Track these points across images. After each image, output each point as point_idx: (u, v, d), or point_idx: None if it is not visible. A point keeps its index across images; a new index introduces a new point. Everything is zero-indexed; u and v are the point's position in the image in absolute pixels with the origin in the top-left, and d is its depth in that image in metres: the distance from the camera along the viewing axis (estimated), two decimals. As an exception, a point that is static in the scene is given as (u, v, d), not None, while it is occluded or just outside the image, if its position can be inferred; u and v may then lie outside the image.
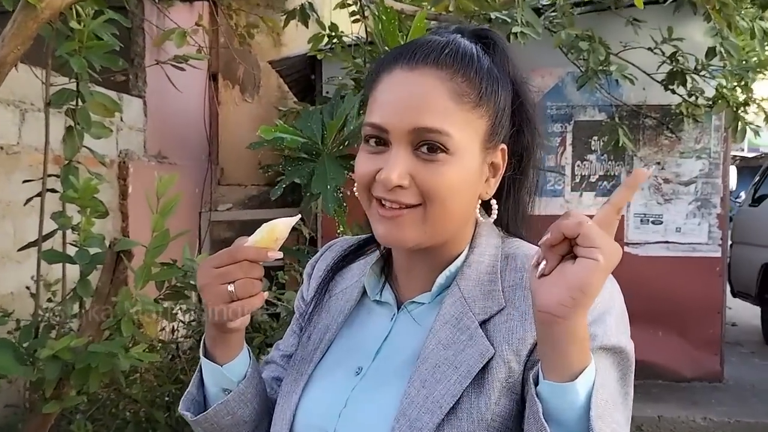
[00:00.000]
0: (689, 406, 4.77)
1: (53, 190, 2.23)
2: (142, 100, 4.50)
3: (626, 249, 5.25)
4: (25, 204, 2.34)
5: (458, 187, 0.85)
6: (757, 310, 6.94)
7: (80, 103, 2.21)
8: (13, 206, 3.08)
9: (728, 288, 5.70)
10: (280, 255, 0.89)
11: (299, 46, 4.34)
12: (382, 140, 0.86)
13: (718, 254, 5.23)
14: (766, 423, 4.55)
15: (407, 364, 0.87)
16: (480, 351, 0.82)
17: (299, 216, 0.97)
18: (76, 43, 2.14)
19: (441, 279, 0.91)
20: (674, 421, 4.61)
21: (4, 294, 3.06)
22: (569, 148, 5.32)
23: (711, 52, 4.25)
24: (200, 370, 0.98)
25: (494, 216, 0.92)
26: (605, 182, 5.32)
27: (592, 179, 5.32)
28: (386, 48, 2.09)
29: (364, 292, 0.99)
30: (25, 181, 2.40)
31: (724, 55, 4.13)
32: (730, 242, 6.31)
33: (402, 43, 2.02)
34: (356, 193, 0.91)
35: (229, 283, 0.86)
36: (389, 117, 0.84)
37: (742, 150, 15.28)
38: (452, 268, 0.91)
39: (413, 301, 0.93)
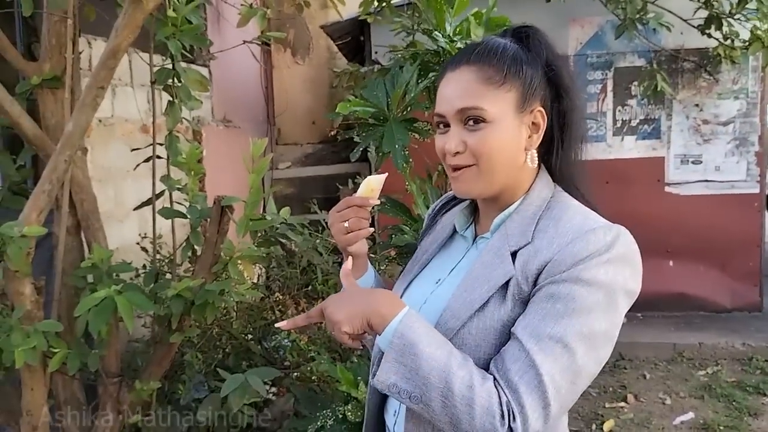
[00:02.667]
0: (729, 333, 5.03)
1: (159, 157, 2.61)
2: (207, 69, 4.88)
3: (667, 189, 5.47)
4: (135, 168, 2.75)
5: (500, 146, 1.11)
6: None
7: (176, 80, 2.57)
8: (112, 172, 3.51)
9: (766, 222, 5.86)
10: (377, 202, 1.27)
11: (346, 10, 4.60)
12: (444, 124, 1.16)
13: (757, 190, 5.41)
14: (803, 348, 4.78)
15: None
16: (505, 271, 1.08)
17: (386, 174, 1.33)
18: (171, 28, 2.49)
19: (497, 220, 1.18)
20: (714, 347, 4.89)
21: (110, 249, 3.51)
22: (610, 95, 5.51)
23: (745, -3, 4.37)
24: None
25: (535, 161, 1.16)
26: (646, 126, 5.51)
27: (633, 123, 5.52)
28: (430, 12, 2.36)
29: (455, 230, 1.29)
30: (134, 150, 2.79)
31: (759, -3, 4.25)
32: (772, 179, 6.43)
33: (445, 8, 2.30)
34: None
35: (345, 221, 1.24)
36: (443, 106, 1.14)
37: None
38: (506, 212, 1.17)
39: (482, 237, 1.22)
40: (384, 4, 4.24)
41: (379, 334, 1.05)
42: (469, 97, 1.11)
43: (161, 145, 2.59)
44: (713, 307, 5.47)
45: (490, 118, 1.10)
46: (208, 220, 2.36)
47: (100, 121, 3.48)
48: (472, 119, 1.11)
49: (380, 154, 2.00)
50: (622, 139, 5.52)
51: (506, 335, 1.06)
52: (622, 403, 4.27)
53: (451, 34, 2.23)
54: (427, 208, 2.04)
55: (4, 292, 2.20)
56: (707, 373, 4.65)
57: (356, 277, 1.30)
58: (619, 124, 5.52)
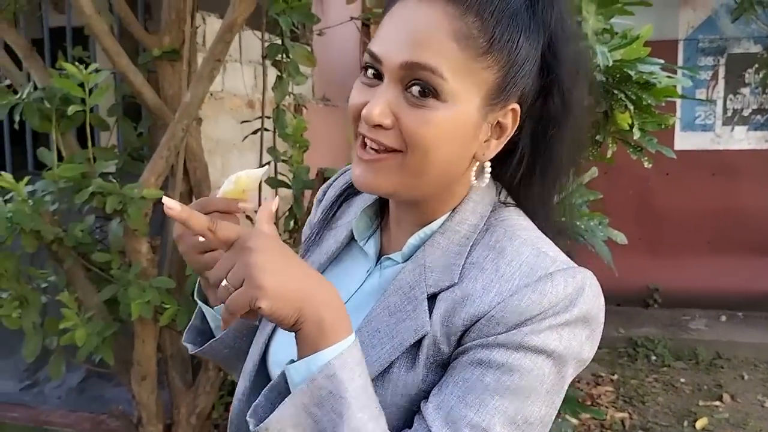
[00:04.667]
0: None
1: (266, 129, 2.72)
2: (309, 47, 5.00)
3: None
4: (243, 140, 2.88)
5: (446, 139, 0.74)
6: None
7: (285, 56, 2.66)
8: (220, 144, 3.68)
9: None
10: (251, 206, 0.85)
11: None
12: (377, 72, 0.76)
13: None
14: None
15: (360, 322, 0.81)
16: (416, 326, 0.76)
17: (266, 168, 0.97)
18: (282, 4, 2.58)
19: (413, 239, 0.82)
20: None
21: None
22: (721, 82, 5.25)
23: None
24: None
25: (485, 180, 0.80)
26: (759, 116, 5.22)
27: (745, 113, 5.24)
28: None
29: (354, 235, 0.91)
30: (243, 122, 2.92)
31: None
32: None
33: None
34: None
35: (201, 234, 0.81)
36: (386, 47, 0.75)
37: None
38: (427, 230, 0.82)
39: (389, 257, 0.85)
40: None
41: (301, 351, 0.69)
42: (429, 50, 0.73)
43: (268, 118, 2.70)
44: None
45: (447, 96, 0.73)
46: (311, 191, 2.45)
47: (211, 94, 3.64)
48: (420, 86, 0.73)
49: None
50: (732, 129, 5.26)
51: (413, 413, 0.76)
52: (717, 402, 4.11)
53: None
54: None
55: (122, 251, 2.37)
56: (813, 378, 4.41)
57: (216, 303, 0.93)
58: (729, 114, 5.26)
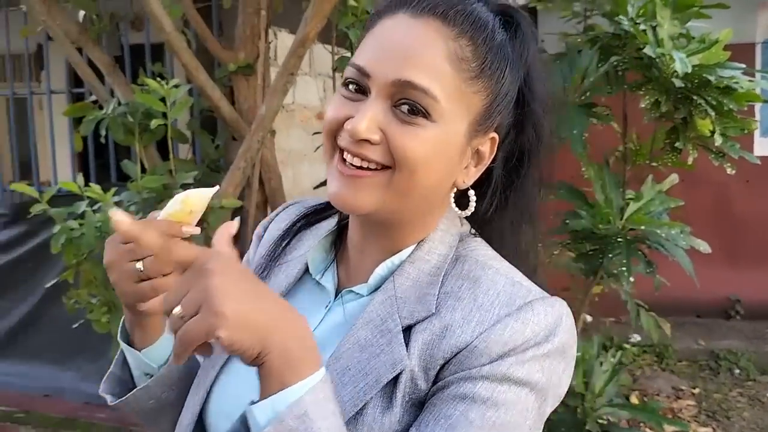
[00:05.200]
0: None
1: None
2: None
3: None
4: (315, 151, 2.94)
5: (434, 159, 0.72)
6: None
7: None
8: (292, 155, 3.77)
9: None
10: (197, 230, 0.76)
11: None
12: (361, 87, 0.73)
13: None
14: None
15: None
16: (393, 360, 0.71)
17: (217, 187, 0.85)
18: (351, 17, 2.63)
19: (381, 270, 0.77)
20: None
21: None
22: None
23: None
24: (123, 352, 0.88)
25: (470, 209, 0.78)
26: None
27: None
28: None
29: (307, 269, 0.85)
30: (314, 134, 2.99)
31: None
32: None
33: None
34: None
35: (137, 261, 0.74)
36: (375, 62, 0.72)
37: None
38: (395, 259, 0.78)
39: (351, 290, 0.80)
40: (555, -10, 4.17)
41: (265, 388, 0.61)
42: (424, 70, 0.71)
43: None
44: None
45: (437, 117, 0.71)
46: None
47: (282, 107, 3.74)
48: (409, 105, 0.71)
49: (555, 140, 2.01)
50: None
51: None
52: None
53: (634, 17, 2.16)
54: (605, 196, 2.00)
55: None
56: None
57: (143, 344, 0.85)
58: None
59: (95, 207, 2.29)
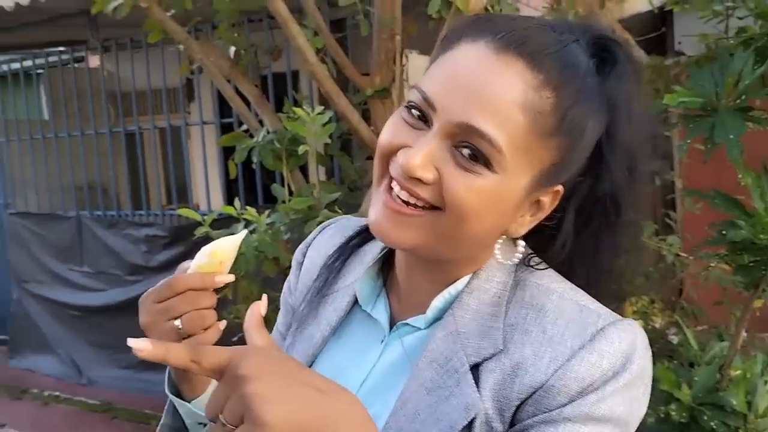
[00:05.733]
0: None
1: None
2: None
3: None
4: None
5: (487, 210, 0.66)
6: None
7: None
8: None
9: None
10: (231, 278, 0.75)
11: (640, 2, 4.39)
12: (423, 114, 0.67)
13: None
14: None
15: (392, 403, 0.71)
16: (466, 403, 0.66)
17: (245, 233, 0.83)
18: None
19: (438, 302, 0.72)
20: None
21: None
22: None
23: None
24: (171, 402, 0.85)
25: (515, 259, 0.72)
26: None
27: None
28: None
29: (356, 299, 0.80)
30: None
31: None
32: None
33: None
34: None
35: (174, 319, 0.73)
36: (442, 95, 0.65)
37: None
38: (452, 290, 0.72)
39: (407, 323, 0.75)
40: (693, -9, 4.00)
41: None
42: (493, 117, 0.64)
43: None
44: None
45: (498, 168, 0.65)
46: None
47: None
48: (473, 151, 0.65)
49: (708, 146, 1.92)
50: None
51: None
52: None
53: (790, 14, 2.05)
54: (765, 204, 1.90)
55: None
56: None
57: (191, 395, 0.81)
58: None
59: (251, 228, 2.45)
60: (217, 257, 0.74)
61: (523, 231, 0.71)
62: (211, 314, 0.74)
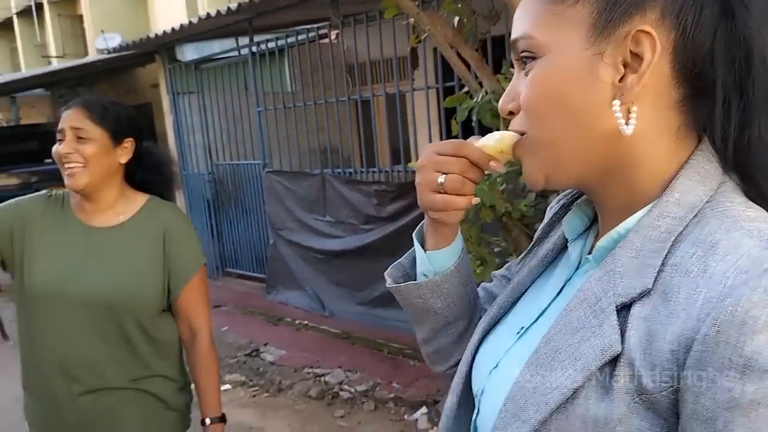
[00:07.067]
0: None
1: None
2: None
3: None
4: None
5: (552, 95, 0.64)
6: None
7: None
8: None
9: None
10: (503, 169, 0.76)
11: None
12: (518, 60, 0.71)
13: None
14: None
15: None
16: (603, 344, 0.60)
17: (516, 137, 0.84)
18: None
19: (603, 242, 0.68)
20: None
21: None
22: None
23: None
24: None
25: (630, 127, 0.62)
26: None
27: None
28: None
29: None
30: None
31: None
32: None
33: None
34: None
35: (442, 174, 0.75)
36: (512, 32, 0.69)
37: None
38: (621, 229, 0.66)
39: (589, 260, 0.72)
40: None
41: None
42: (523, 19, 0.67)
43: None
44: None
45: (539, 50, 0.65)
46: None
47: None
48: (524, 58, 0.67)
49: None
50: None
51: None
52: None
53: None
54: None
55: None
56: None
57: (431, 247, 0.85)
58: None
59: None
60: (501, 145, 0.74)
61: (635, 90, 0.61)
62: (471, 186, 0.75)
